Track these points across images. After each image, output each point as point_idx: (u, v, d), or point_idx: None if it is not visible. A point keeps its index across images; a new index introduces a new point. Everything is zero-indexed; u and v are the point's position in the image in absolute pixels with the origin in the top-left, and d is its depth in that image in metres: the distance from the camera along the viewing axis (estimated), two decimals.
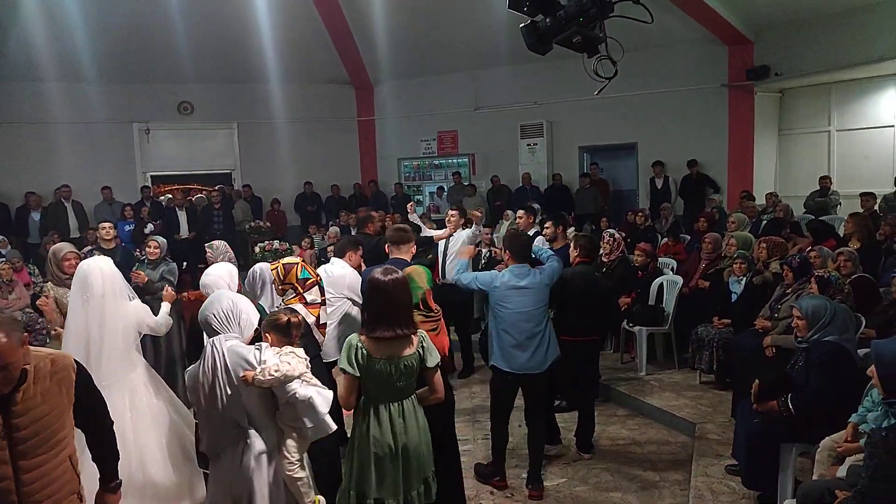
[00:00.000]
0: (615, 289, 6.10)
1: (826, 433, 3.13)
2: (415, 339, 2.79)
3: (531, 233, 6.06)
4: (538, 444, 4.07)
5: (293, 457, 2.68)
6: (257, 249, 8.99)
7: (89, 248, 6.96)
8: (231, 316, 2.63)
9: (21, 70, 10.58)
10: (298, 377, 2.61)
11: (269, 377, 2.52)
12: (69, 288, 3.92)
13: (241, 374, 2.54)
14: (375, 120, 13.46)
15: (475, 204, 11.19)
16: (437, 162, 13.02)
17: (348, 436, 2.93)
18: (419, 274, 3.36)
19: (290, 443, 2.70)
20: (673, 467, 4.35)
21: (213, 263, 3.95)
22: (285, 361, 2.57)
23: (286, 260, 3.64)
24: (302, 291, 3.48)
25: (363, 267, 4.50)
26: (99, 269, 3.58)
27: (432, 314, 3.34)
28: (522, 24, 3.85)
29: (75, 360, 2.31)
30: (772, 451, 3.43)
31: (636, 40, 6.75)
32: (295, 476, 2.66)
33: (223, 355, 2.56)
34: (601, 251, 6.61)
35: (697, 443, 4.45)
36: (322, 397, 2.67)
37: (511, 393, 4.08)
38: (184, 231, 10.55)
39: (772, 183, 10.43)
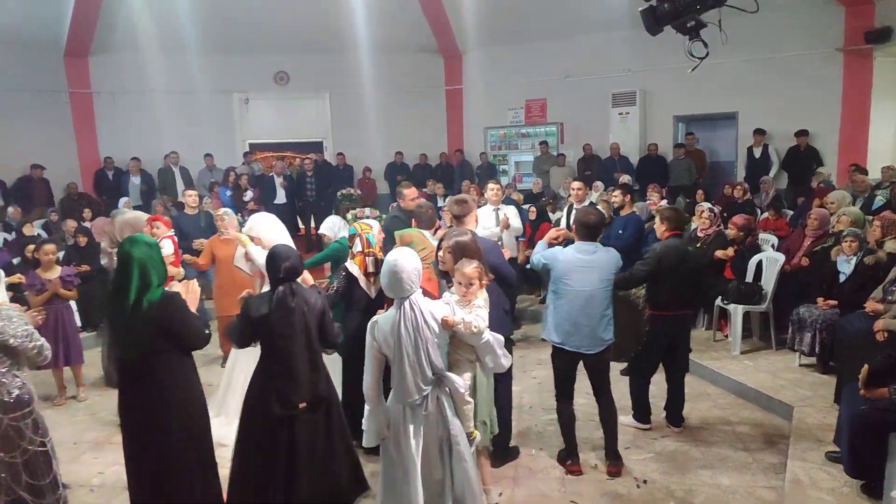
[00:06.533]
0: (709, 264, 5.93)
1: None
2: None
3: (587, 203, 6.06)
4: (610, 418, 3.98)
5: (467, 384, 2.98)
6: (349, 216, 9.25)
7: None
8: (415, 275, 2.85)
9: (129, 42, 11.27)
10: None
11: (472, 332, 2.84)
12: None
13: (443, 318, 2.82)
14: (463, 89, 13.42)
15: (563, 174, 11.04)
16: (524, 131, 12.87)
17: None
18: (420, 238, 4.19)
19: (468, 374, 3.04)
20: (767, 450, 4.23)
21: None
22: (480, 317, 2.89)
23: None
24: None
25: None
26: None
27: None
28: (641, 9, 4.22)
29: None
30: (879, 439, 3.28)
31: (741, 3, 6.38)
32: (466, 400, 2.95)
33: (421, 312, 2.79)
34: (696, 226, 6.43)
35: (795, 427, 4.30)
36: (497, 340, 3.00)
37: (570, 368, 3.97)
38: (280, 198, 11.06)
39: (889, 156, 9.64)
